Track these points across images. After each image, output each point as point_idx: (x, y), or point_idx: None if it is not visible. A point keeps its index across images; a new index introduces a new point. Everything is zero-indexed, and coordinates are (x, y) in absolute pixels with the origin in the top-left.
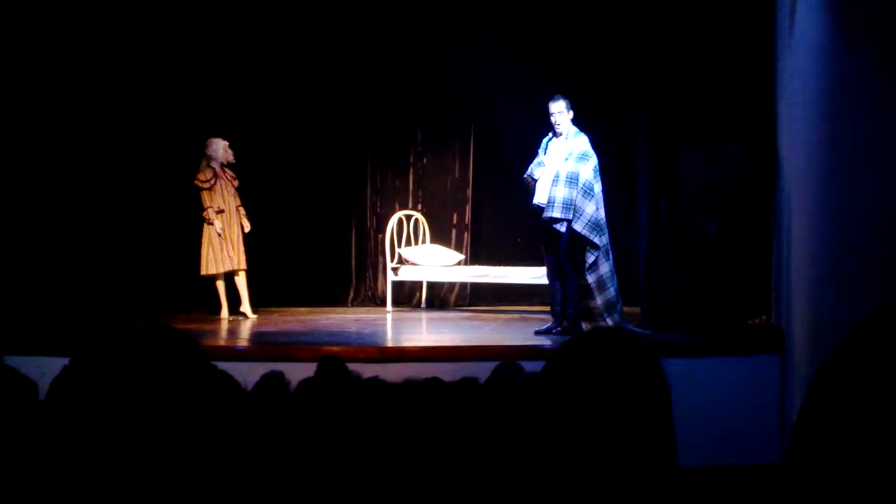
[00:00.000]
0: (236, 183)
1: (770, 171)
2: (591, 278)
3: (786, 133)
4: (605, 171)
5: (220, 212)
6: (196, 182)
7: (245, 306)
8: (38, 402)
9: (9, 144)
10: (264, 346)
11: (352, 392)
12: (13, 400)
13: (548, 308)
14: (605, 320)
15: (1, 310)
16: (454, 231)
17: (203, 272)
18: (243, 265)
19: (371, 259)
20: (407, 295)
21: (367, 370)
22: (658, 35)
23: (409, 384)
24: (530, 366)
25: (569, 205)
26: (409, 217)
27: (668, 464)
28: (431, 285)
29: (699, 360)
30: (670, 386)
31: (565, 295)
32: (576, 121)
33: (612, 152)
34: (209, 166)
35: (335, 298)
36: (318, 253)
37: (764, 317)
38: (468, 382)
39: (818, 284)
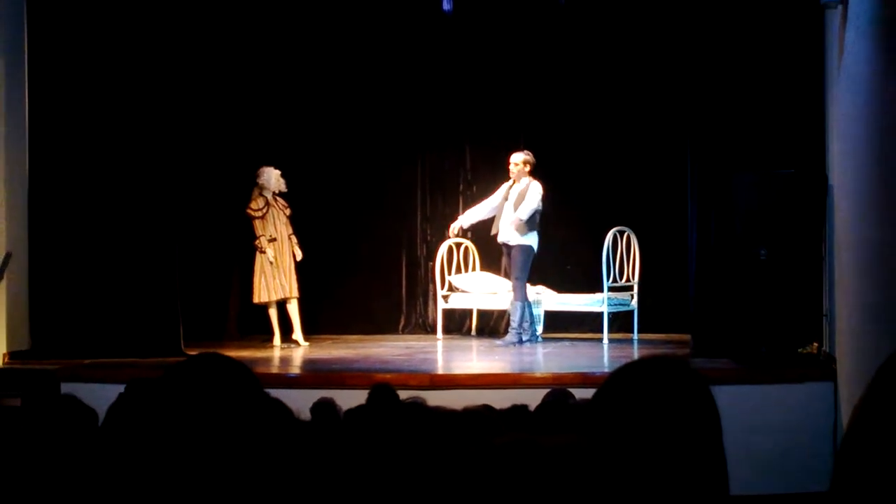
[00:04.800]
0: (288, 212)
1: (820, 198)
2: None
3: (836, 160)
4: (655, 197)
5: (273, 240)
6: (248, 211)
7: (297, 334)
8: (98, 429)
9: (70, 171)
10: (316, 373)
11: (402, 419)
12: (75, 427)
13: (597, 335)
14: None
15: (58, 337)
16: (504, 258)
17: (256, 300)
18: (295, 293)
19: (421, 287)
20: (457, 322)
21: (418, 398)
22: (708, 62)
23: (463, 413)
24: (580, 393)
25: None
26: (458, 245)
27: (719, 492)
28: (482, 313)
29: (750, 387)
30: (721, 414)
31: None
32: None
33: (661, 178)
34: (261, 195)
35: (386, 326)
36: (369, 281)
37: (815, 344)
38: (518, 410)
39: (867, 312)
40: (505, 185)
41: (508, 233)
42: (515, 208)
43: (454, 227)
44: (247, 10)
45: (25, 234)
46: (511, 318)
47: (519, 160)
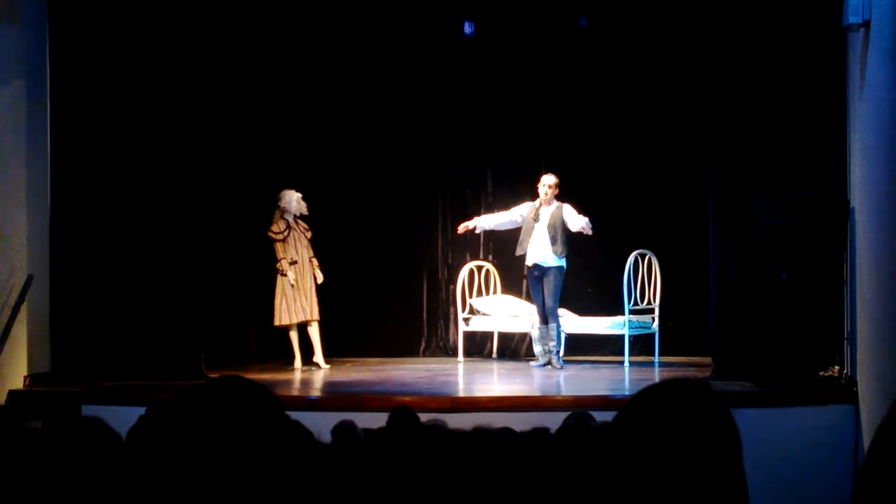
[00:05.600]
0: (309, 234)
1: (841, 221)
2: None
3: (857, 183)
4: (676, 220)
5: (294, 263)
6: (270, 234)
7: (318, 357)
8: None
9: (91, 195)
10: (337, 395)
11: (423, 442)
12: (100, 450)
13: (619, 358)
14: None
15: (79, 360)
16: (525, 281)
17: (276, 323)
18: (316, 316)
19: (442, 310)
20: (478, 345)
21: (439, 420)
22: (730, 85)
23: (480, 433)
24: (601, 416)
25: None
26: (479, 268)
27: None
28: (502, 336)
29: (771, 410)
30: (742, 436)
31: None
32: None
33: (682, 201)
34: (282, 218)
35: (407, 349)
36: (390, 303)
37: (837, 367)
38: (539, 433)
39: (889, 335)
40: (528, 206)
41: (544, 254)
42: (549, 230)
43: (467, 224)
44: (265, 35)
45: (47, 257)
46: (549, 342)
47: (552, 182)
